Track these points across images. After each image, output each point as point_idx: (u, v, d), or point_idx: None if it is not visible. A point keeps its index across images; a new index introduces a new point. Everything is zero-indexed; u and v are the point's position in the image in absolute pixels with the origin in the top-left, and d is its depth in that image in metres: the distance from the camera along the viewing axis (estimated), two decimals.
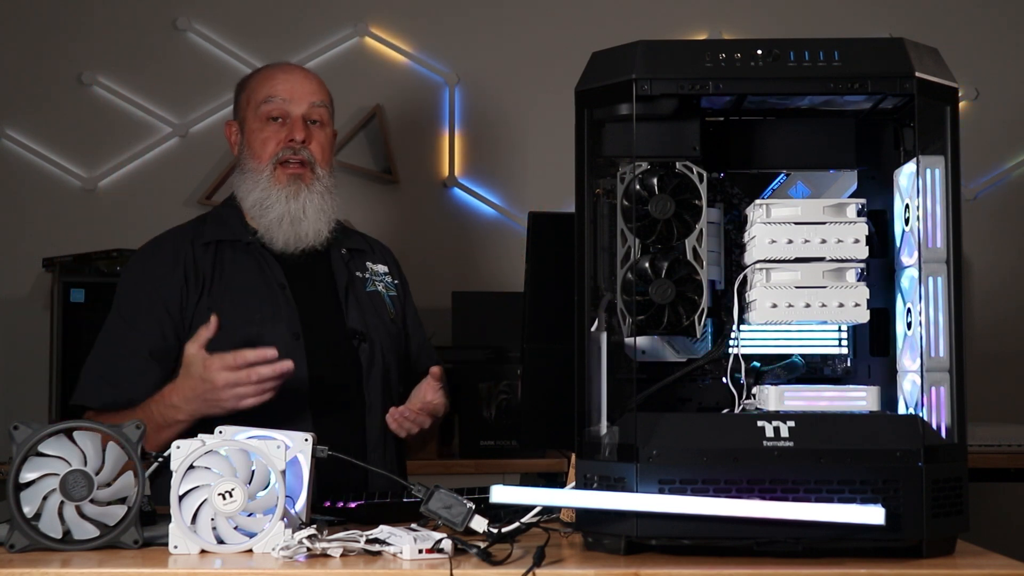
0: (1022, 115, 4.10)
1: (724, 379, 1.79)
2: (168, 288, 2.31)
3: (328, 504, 2.01)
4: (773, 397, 1.71)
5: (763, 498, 1.59)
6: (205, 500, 1.66)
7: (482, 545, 1.61)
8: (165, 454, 1.70)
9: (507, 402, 3.42)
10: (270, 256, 2.38)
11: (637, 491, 1.60)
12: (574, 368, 1.70)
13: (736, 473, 1.60)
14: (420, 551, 1.60)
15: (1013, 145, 4.10)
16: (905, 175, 1.78)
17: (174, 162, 4.02)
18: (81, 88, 3.99)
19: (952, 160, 1.70)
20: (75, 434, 1.69)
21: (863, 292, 1.70)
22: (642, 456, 1.61)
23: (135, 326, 2.30)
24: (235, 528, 1.67)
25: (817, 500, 1.59)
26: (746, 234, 1.78)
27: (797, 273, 1.71)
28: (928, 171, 1.70)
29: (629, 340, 1.76)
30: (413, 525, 1.76)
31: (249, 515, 1.68)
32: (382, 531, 1.67)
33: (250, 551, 1.66)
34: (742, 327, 1.78)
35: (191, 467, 1.67)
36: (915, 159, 1.72)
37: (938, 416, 1.67)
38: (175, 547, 1.65)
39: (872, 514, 1.56)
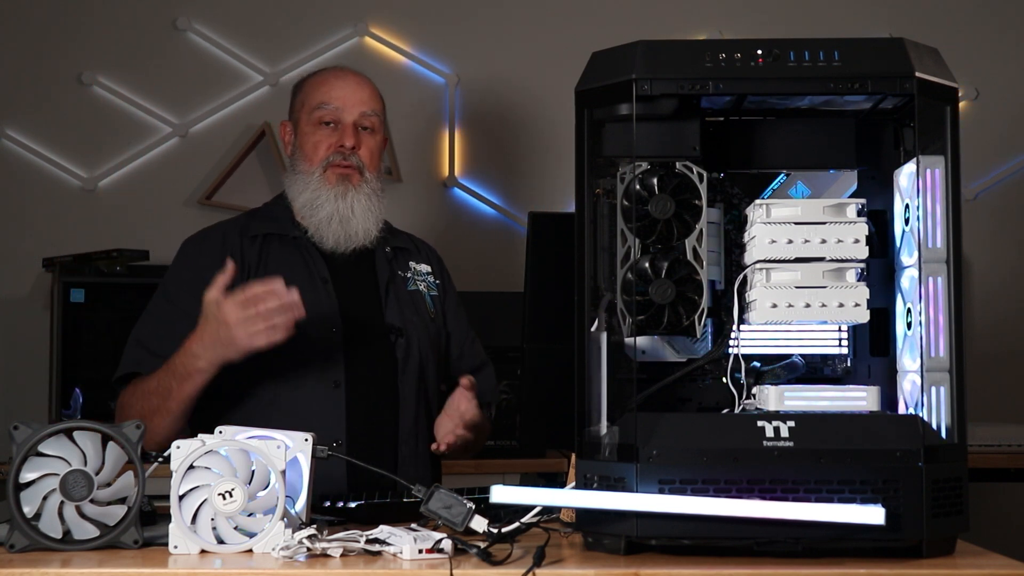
0: (1022, 115, 4.10)
1: (724, 379, 1.79)
2: (214, 273, 2.33)
3: (328, 504, 2.01)
4: (773, 397, 1.71)
5: (763, 498, 1.59)
6: (205, 500, 1.66)
7: (482, 545, 1.61)
8: (165, 454, 1.70)
9: (507, 402, 3.42)
10: (315, 251, 2.44)
11: (637, 491, 1.60)
12: (574, 368, 1.70)
13: (736, 473, 1.60)
14: (420, 551, 1.60)
15: (1013, 145, 4.10)
16: (905, 175, 1.78)
17: (174, 162, 4.02)
18: (81, 88, 3.99)
19: (952, 160, 1.70)
20: (75, 434, 1.69)
21: (863, 292, 1.70)
22: (642, 456, 1.61)
23: (181, 307, 2.35)
24: (235, 528, 1.67)
25: (817, 500, 1.59)
26: (746, 234, 1.78)
27: (797, 273, 1.71)
28: (928, 171, 1.70)
29: (629, 340, 1.76)
30: (413, 525, 1.76)
31: (249, 515, 1.68)
32: (382, 531, 1.67)
33: (250, 551, 1.66)
34: (742, 327, 1.78)
35: (191, 467, 1.67)
36: (915, 159, 1.72)
37: (938, 416, 1.67)
38: (175, 547, 1.65)
39: (872, 514, 1.56)
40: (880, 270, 1.82)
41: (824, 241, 1.70)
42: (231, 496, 1.65)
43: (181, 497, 1.66)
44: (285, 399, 2.30)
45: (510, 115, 4.10)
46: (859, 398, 1.72)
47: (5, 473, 1.71)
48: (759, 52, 1.69)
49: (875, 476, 1.59)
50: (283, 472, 1.69)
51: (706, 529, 1.59)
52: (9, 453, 1.67)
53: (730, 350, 1.78)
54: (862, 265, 1.71)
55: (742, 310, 1.78)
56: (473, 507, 1.71)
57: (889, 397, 1.78)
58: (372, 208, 2.45)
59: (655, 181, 1.74)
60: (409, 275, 2.53)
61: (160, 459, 1.74)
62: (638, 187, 1.74)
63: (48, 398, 3.55)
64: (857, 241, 1.70)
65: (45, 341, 3.58)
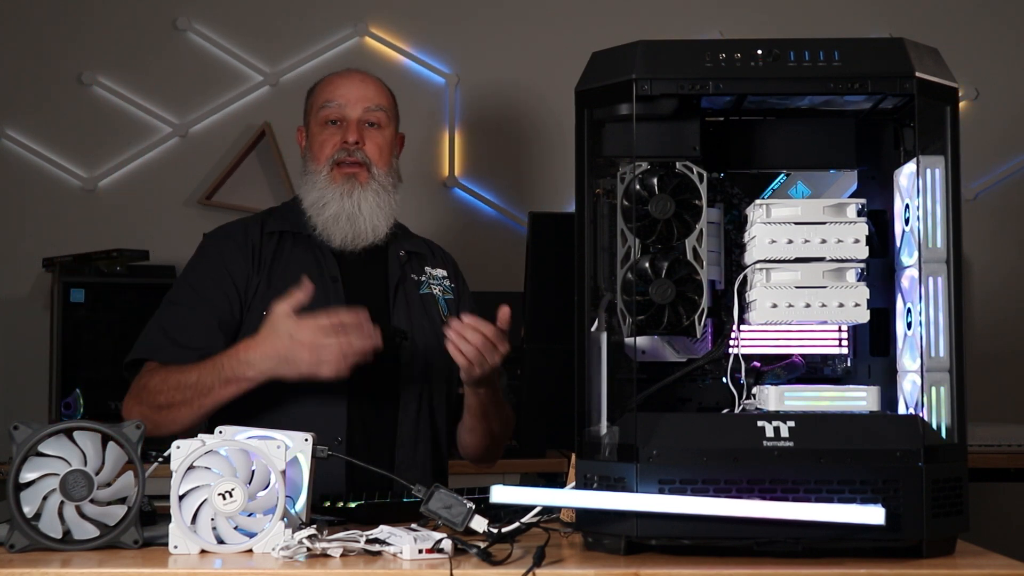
0: (1022, 115, 4.10)
1: (724, 379, 1.79)
2: (237, 265, 2.39)
3: (328, 504, 2.01)
4: (773, 397, 1.71)
5: (763, 498, 1.59)
6: (205, 500, 1.66)
7: (482, 545, 1.61)
8: (165, 454, 1.69)
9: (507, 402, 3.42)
10: (328, 250, 2.44)
11: (637, 491, 1.60)
12: (574, 368, 1.70)
13: (736, 473, 1.60)
14: (420, 551, 1.60)
15: (1013, 145, 4.10)
16: (905, 175, 1.78)
17: (174, 162, 4.02)
18: (81, 88, 3.99)
19: (952, 160, 1.70)
20: (75, 434, 1.69)
21: (863, 292, 1.70)
22: (642, 456, 1.61)
23: (205, 295, 2.35)
24: (235, 528, 1.67)
25: (817, 500, 1.59)
26: (746, 234, 1.78)
27: (797, 273, 1.71)
28: (928, 171, 1.70)
29: (629, 340, 1.76)
30: (413, 525, 1.76)
31: (249, 515, 1.68)
32: (382, 531, 1.67)
33: (250, 551, 1.66)
34: (742, 327, 1.78)
35: (191, 467, 1.67)
36: (915, 159, 1.72)
37: (938, 416, 1.67)
38: (175, 547, 1.65)
39: (872, 514, 1.56)
40: (880, 270, 1.82)
41: (824, 241, 1.70)
42: (231, 496, 1.65)
43: (181, 497, 1.66)
44: (287, 398, 2.30)
45: (510, 115, 4.10)
46: (859, 398, 1.72)
47: (5, 473, 1.71)
48: (759, 52, 1.69)
49: (875, 476, 1.59)
50: (283, 472, 1.69)
51: (706, 529, 1.59)
52: (9, 453, 1.67)
53: (730, 350, 1.78)
54: (862, 265, 1.71)
55: (742, 310, 1.78)
56: (473, 507, 1.71)
57: (889, 397, 1.78)
58: (381, 205, 2.44)
59: (655, 181, 1.74)
60: (423, 278, 2.52)
61: (160, 459, 1.74)
62: (638, 187, 1.74)
63: (48, 398, 3.55)
64: (857, 241, 1.70)
65: (45, 341, 3.58)
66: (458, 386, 2.46)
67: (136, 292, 3.59)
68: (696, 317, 1.73)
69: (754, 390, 1.78)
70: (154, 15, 4.02)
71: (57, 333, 3.53)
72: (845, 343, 1.83)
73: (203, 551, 1.65)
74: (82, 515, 1.67)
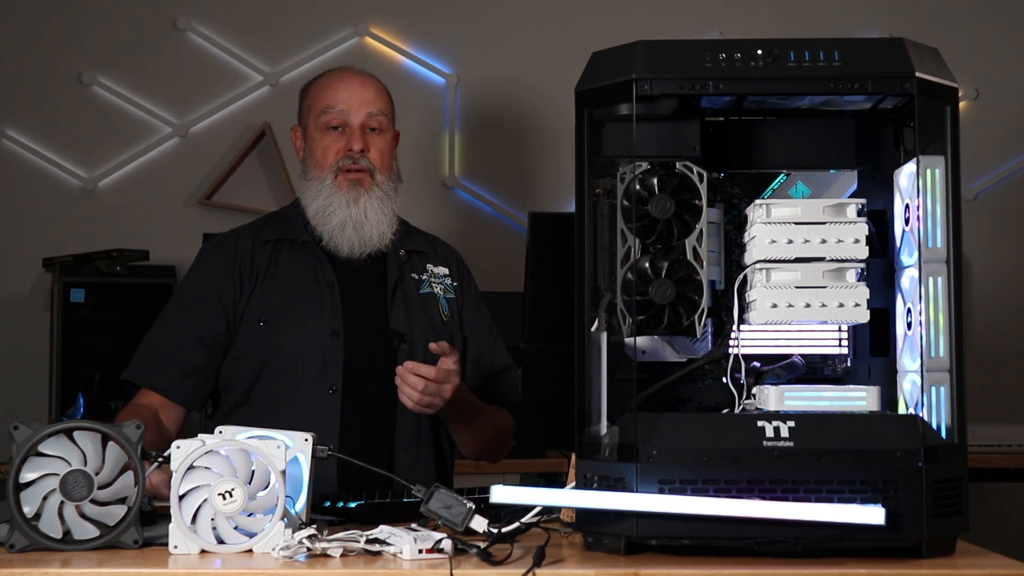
0: (1022, 115, 4.10)
1: (724, 379, 1.79)
2: (225, 281, 2.41)
3: (328, 504, 2.01)
4: (773, 397, 1.71)
5: (763, 498, 1.59)
6: (205, 500, 1.66)
7: (482, 545, 1.61)
8: (165, 454, 1.69)
9: None
10: (323, 255, 2.45)
11: (637, 491, 1.60)
12: (574, 368, 1.70)
13: (736, 473, 1.60)
14: (420, 551, 1.60)
15: (1013, 145, 4.10)
16: (905, 175, 1.78)
17: (174, 162, 4.02)
18: (81, 88, 3.99)
19: (952, 160, 1.70)
20: (75, 434, 1.69)
21: (863, 292, 1.70)
22: (642, 456, 1.61)
23: (188, 314, 2.40)
24: (235, 528, 1.67)
25: (817, 500, 1.59)
26: (746, 234, 1.78)
27: (797, 273, 1.71)
28: (928, 171, 1.70)
29: (629, 340, 1.76)
30: (413, 525, 1.76)
31: (249, 515, 1.68)
32: (382, 531, 1.67)
33: (250, 551, 1.66)
34: (742, 327, 1.78)
35: (191, 467, 1.67)
36: (915, 159, 1.72)
37: (938, 416, 1.67)
38: (175, 547, 1.65)
39: (872, 514, 1.56)
40: (880, 270, 1.82)
41: (824, 241, 1.70)
42: (231, 496, 1.65)
43: (181, 497, 1.66)
44: (281, 404, 2.30)
45: (510, 115, 4.10)
46: (859, 398, 1.72)
47: (5, 473, 1.71)
48: (759, 52, 1.69)
49: (875, 476, 1.59)
50: (283, 472, 1.68)
51: (706, 529, 1.59)
52: (9, 453, 1.67)
53: (730, 350, 1.78)
54: (862, 265, 1.71)
55: (742, 310, 1.78)
56: (473, 507, 1.71)
57: (889, 397, 1.78)
58: (385, 211, 2.44)
59: (655, 181, 1.74)
60: (424, 277, 2.52)
61: (160, 459, 1.74)
62: (638, 187, 1.74)
63: (48, 398, 3.55)
64: (857, 241, 1.70)
65: (45, 341, 3.58)
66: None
67: (136, 292, 3.59)
68: (696, 317, 1.73)
69: (754, 390, 1.78)
70: (154, 15, 4.02)
71: (57, 333, 3.53)
72: (845, 343, 1.83)
73: (203, 551, 1.65)
74: (82, 515, 1.67)
